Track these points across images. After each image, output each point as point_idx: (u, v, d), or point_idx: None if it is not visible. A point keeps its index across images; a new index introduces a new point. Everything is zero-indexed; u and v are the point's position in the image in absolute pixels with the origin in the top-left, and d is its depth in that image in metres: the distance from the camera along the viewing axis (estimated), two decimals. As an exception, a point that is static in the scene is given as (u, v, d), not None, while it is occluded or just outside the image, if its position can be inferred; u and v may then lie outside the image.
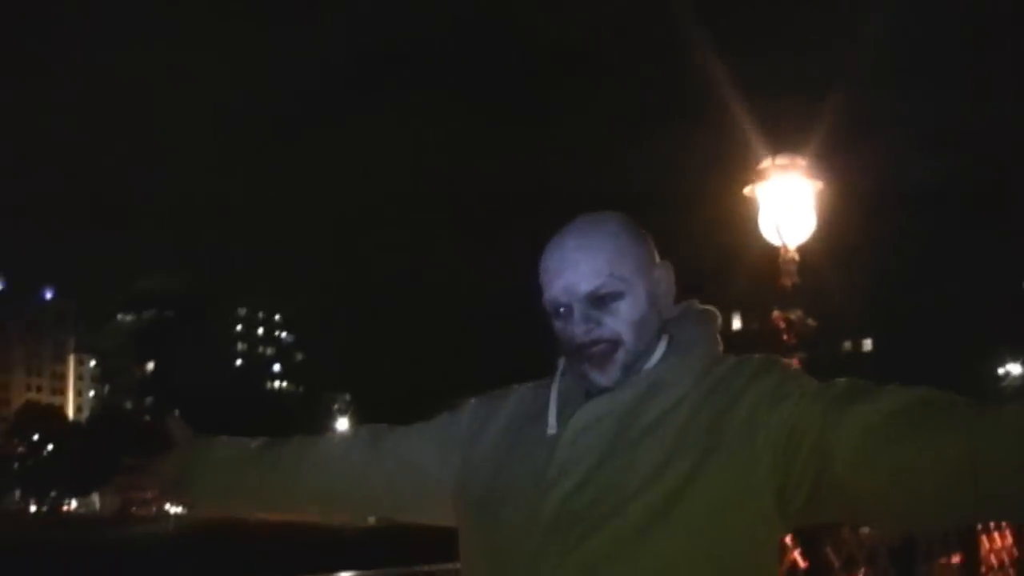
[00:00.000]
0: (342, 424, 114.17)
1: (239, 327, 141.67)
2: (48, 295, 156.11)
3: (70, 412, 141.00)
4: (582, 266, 1.83)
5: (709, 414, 1.74)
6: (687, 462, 1.71)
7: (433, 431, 2.08)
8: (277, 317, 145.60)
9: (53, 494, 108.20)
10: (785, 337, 7.33)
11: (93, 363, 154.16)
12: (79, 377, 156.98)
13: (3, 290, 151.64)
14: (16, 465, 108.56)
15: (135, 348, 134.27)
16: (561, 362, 1.92)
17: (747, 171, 7.89)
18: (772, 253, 7.62)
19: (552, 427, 1.83)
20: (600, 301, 1.82)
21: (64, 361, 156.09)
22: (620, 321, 1.82)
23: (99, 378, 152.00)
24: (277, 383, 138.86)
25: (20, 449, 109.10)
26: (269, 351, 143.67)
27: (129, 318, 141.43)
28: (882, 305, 78.28)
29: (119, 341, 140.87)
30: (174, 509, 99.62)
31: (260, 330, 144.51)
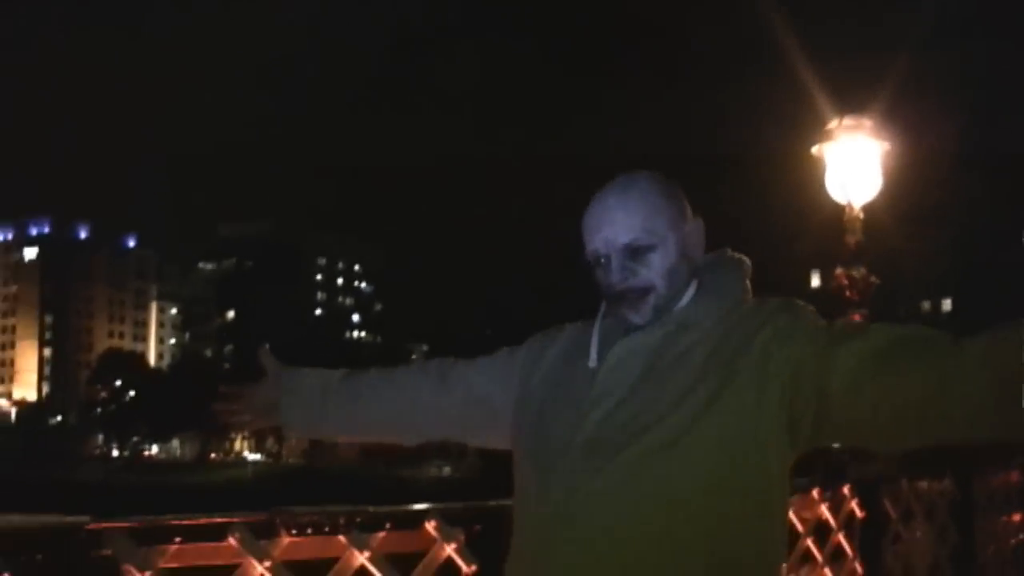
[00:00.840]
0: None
1: (319, 276, 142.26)
2: (131, 243, 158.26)
3: (151, 359, 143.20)
4: (619, 222, 2.05)
5: (728, 349, 1.97)
6: (705, 391, 1.94)
7: (496, 364, 2.33)
8: (356, 267, 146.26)
9: (134, 439, 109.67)
10: (848, 294, 7.44)
11: (174, 311, 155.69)
12: (160, 324, 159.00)
13: (87, 239, 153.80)
14: (99, 411, 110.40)
15: (216, 296, 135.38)
16: (603, 305, 2.15)
17: (816, 131, 7.96)
18: (839, 212, 7.71)
19: (593, 360, 2.07)
20: (635, 253, 2.05)
21: (146, 308, 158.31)
22: (653, 271, 2.05)
23: (180, 325, 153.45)
24: (356, 333, 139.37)
25: (103, 395, 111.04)
26: (348, 301, 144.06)
27: (210, 266, 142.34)
28: (962, 265, 76.83)
29: (200, 289, 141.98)
30: (252, 456, 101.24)
31: (340, 280, 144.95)
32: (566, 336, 2.24)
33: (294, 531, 2.70)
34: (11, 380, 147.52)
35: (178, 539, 2.54)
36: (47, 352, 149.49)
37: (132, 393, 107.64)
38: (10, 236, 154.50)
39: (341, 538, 2.80)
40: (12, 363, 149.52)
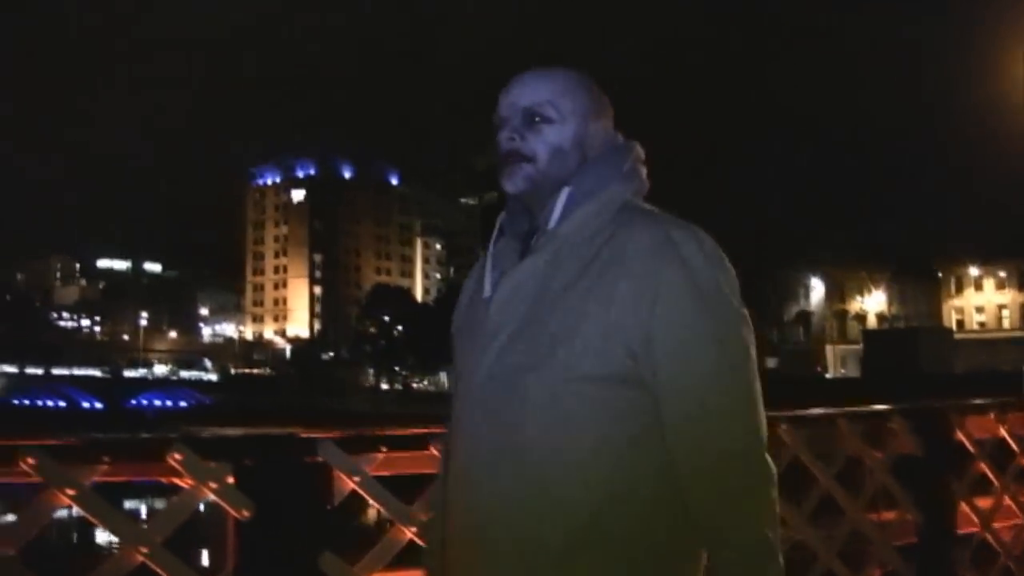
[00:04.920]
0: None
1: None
2: (394, 180, 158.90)
3: (418, 294, 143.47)
4: (526, 86, 2.11)
5: (598, 279, 1.95)
6: (577, 323, 1.93)
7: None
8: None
9: (403, 373, 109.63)
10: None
11: (439, 245, 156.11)
12: (425, 260, 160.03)
13: (351, 177, 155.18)
14: (368, 347, 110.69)
15: (478, 229, 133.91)
16: (499, 219, 2.17)
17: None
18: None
19: (487, 291, 2.09)
20: (531, 119, 2.08)
21: (411, 244, 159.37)
22: (541, 142, 2.07)
23: (444, 260, 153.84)
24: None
25: (371, 330, 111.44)
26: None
27: (471, 201, 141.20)
28: None
29: (463, 222, 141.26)
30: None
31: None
32: (478, 263, 2.22)
33: None
34: (284, 318, 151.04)
35: (384, 448, 2.94)
36: (317, 290, 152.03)
37: (400, 328, 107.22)
38: (278, 179, 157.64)
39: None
40: (285, 301, 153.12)
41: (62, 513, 2.70)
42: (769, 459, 1.93)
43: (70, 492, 2.50)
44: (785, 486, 2.17)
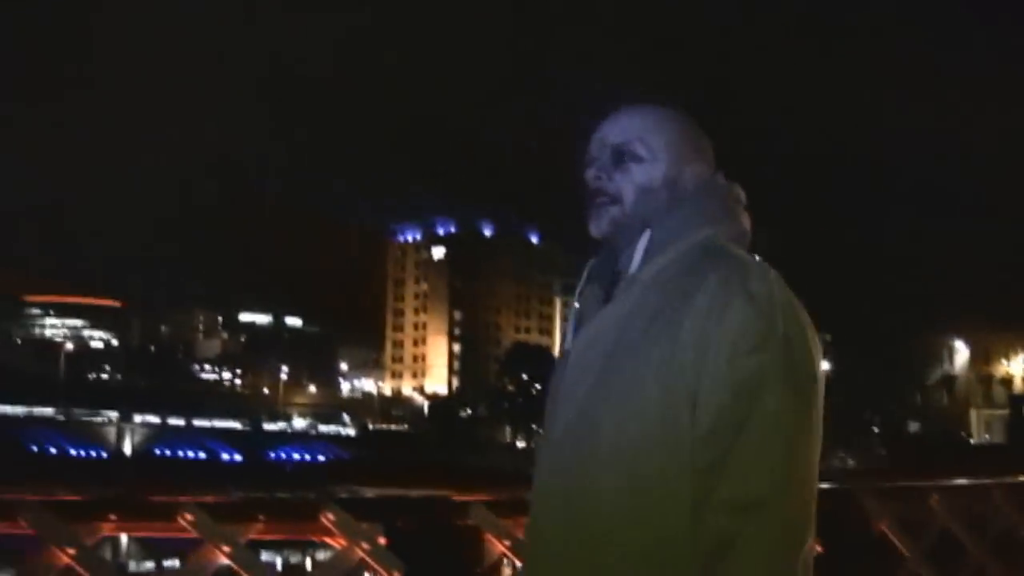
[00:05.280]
0: (823, 365, 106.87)
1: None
2: (534, 239, 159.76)
3: (556, 352, 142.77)
4: (617, 124, 2.05)
5: (667, 322, 1.87)
6: (648, 370, 1.86)
7: None
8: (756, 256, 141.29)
9: (541, 431, 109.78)
10: None
11: (577, 304, 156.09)
12: (564, 318, 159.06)
13: (492, 235, 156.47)
14: (506, 404, 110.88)
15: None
16: (588, 265, 2.10)
17: None
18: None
19: (568, 342, 2.06)
20: (620, 157, 2.02)
21: (550, 303, 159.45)
22: (628, 181, 2.01)
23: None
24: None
25: (510, 387, 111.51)
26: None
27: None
28: None
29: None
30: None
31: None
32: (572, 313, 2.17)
33: None
34: (423, 374, 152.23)
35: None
36: (456, 347, 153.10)
37: (538, 386, 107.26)
38: (419, 236, 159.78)
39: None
40: (424, 358, 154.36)
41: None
42: (801, 515, 1.81)
43: (226, 549, 2.52)
44: (937, 558, 2.05)
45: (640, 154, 1.99)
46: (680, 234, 1.95)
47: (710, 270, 1.86)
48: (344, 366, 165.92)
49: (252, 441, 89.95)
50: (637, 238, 1.95)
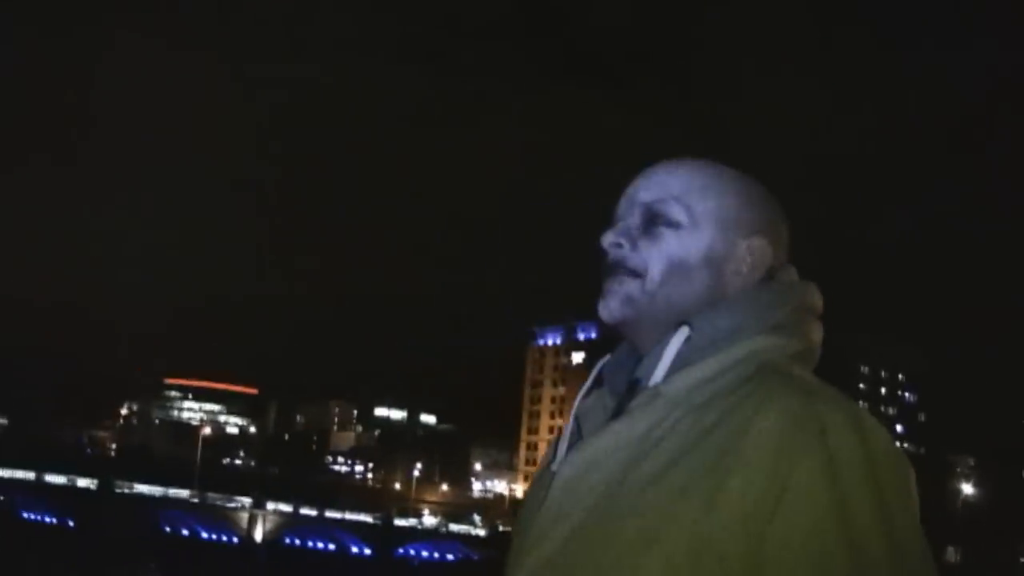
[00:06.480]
0: (967, 489, 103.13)
1: (861, 386, 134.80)
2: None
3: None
4: (652, 179, 1.52)
5: (703, 469, 1.31)
6: (660, 528, 1.30)
7: None
8: (900, 376, 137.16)
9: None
10: None
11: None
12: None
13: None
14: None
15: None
16: (599, 363, 1.58)
17: None
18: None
19: (556, 462, 1.47)
20: (651, 220, 1.50)
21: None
22: (657, 251, 1.48)
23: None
24: (897, 444, 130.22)
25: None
26: (891, 411, 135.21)
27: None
28: None
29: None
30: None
31: (883, 389, 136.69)
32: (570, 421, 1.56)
33: None
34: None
35: None
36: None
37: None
38: (559, 340, 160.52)
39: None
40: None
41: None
42: None
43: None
44: None
45: (676, 218, 1.47)
46: (725, 340, 1.39)
47: (771, 400, 1.31)
48: (477, 466, 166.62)
49: (382, 536, 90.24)
50: (667, 335, 1.42)
